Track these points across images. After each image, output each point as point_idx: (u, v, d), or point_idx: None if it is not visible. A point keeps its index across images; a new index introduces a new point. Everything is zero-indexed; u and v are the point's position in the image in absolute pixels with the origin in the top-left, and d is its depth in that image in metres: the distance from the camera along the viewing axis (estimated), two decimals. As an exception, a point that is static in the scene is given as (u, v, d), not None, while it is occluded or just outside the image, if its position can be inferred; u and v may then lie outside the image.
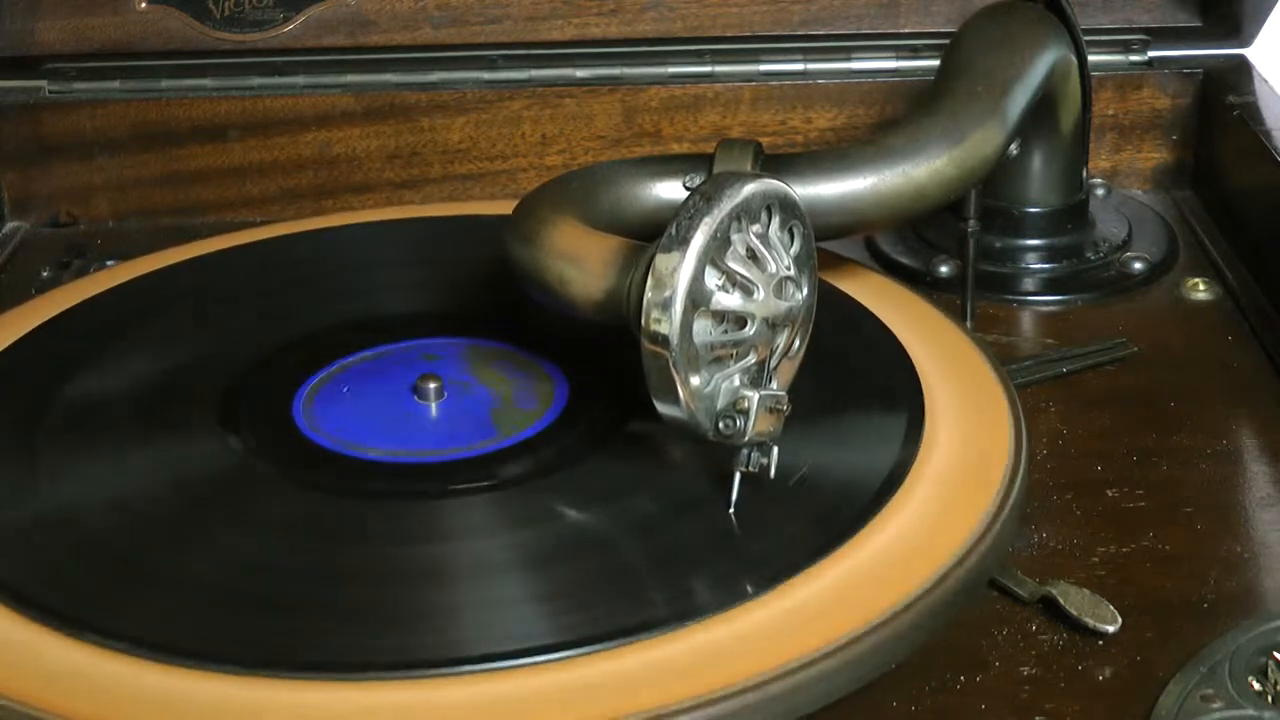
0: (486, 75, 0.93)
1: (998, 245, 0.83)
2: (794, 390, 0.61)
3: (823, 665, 0.53)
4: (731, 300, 0.58)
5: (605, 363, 0.68)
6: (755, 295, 0.58)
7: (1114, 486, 0.66)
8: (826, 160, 0.72)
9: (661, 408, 0.58)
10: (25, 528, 0.61)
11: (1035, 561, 0.62)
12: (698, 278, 0.56)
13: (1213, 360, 0.75)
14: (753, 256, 0.58)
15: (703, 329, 0.57)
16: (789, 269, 0.59)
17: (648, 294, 0.56)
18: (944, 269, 0.83)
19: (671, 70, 0.93)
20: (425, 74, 0.93)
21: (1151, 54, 0.93)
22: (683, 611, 0.55)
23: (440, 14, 0.93)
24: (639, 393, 0.58)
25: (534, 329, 0.73)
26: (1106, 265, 0.83)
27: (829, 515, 0.60)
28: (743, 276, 0.58)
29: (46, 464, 0.65)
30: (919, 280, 0.82)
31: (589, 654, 0.53)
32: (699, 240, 0.56)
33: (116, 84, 0.93)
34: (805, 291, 0.60)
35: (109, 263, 0.85)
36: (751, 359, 0.59)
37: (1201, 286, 0.81)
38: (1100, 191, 0.90)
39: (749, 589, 0.56)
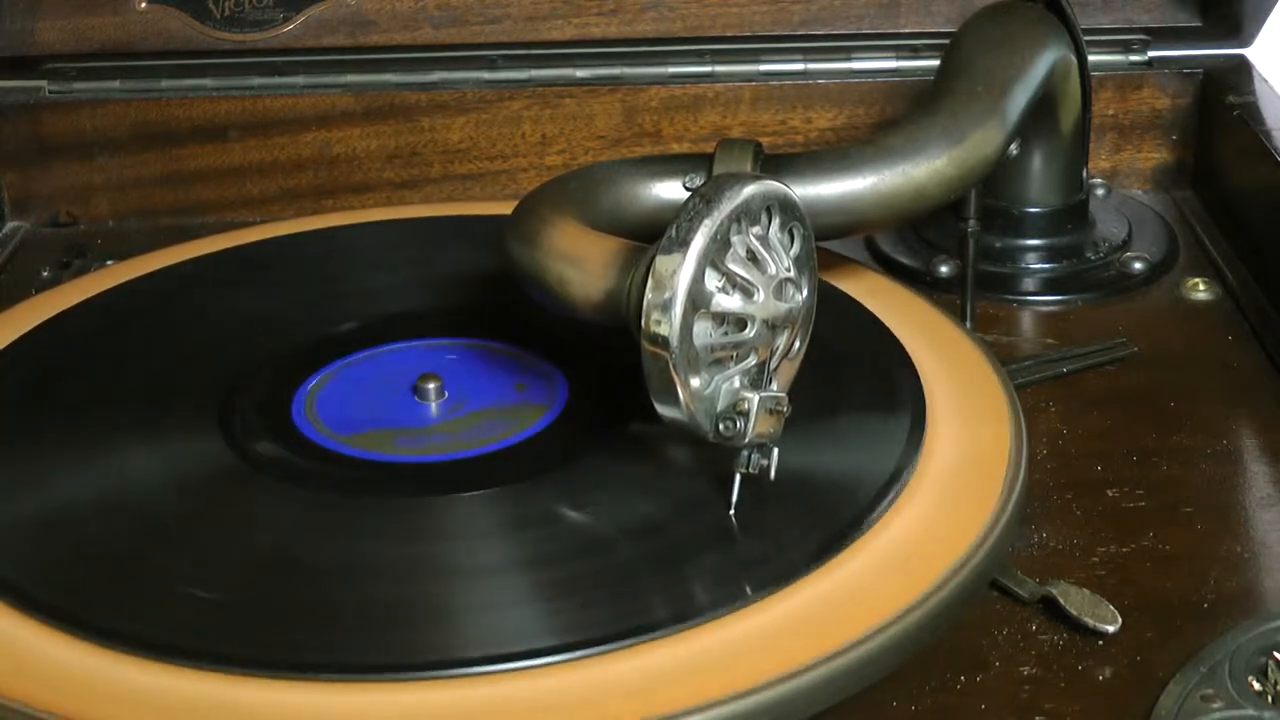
0: (486, 75, 0.93)
1: (998, 245, 0.83)
2: (794, 391, 0.61)
3: (824, 669, 0.53)
4: (731, 302, 0.58)
5: (605, 363, 0.68)
6: (755, 297, 0.58)
7: (1114, 486, 0.66)
8: (826, 160, 0.72)
9: (661, 409, 0.58)
10: (25, 527, 0.61)
11: (1035, 561, 0.62)
12: (698, 280, 0.56)
13: (1213, 360, 0.75)
14: (753, 258, 0.58)
15: (703, 331, 0.57)
16: (789, 270, 0.59)
17: (648, 296, 0.56)
18: (944, 269, 0.83)
19: (671, 70, 0.93)
20: (425, 74, 0.93)
21: (1151, 54, 0.93)
22: (683, 614, 0.55)
23: (440, 14, 0.93)
24: (639, 393, 0.58)
25: (534, 329, 0.73)
26: (1106, 265, 0.83)
27: (830, 516, 0.59)
28: (743, 278, 0.58)
29: (46, 464, 0.65)
30: (919, 280, 0.82)
31: (589, 656, 0.53)
32: (699, 242, 0.56)
33: (116, 84, 0.93)
34: (805, 293, 0.60)
35: (109, 263, 0.85)
36: (752, 361, 0.59)
37: (1201, 286, 0.81)
38: (1100, 191, 0.90)
39: (750, 591, 0.56)
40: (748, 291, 0.58)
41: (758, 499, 0.60)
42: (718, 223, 0.57)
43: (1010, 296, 0.81)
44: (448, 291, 0.78)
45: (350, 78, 0.93)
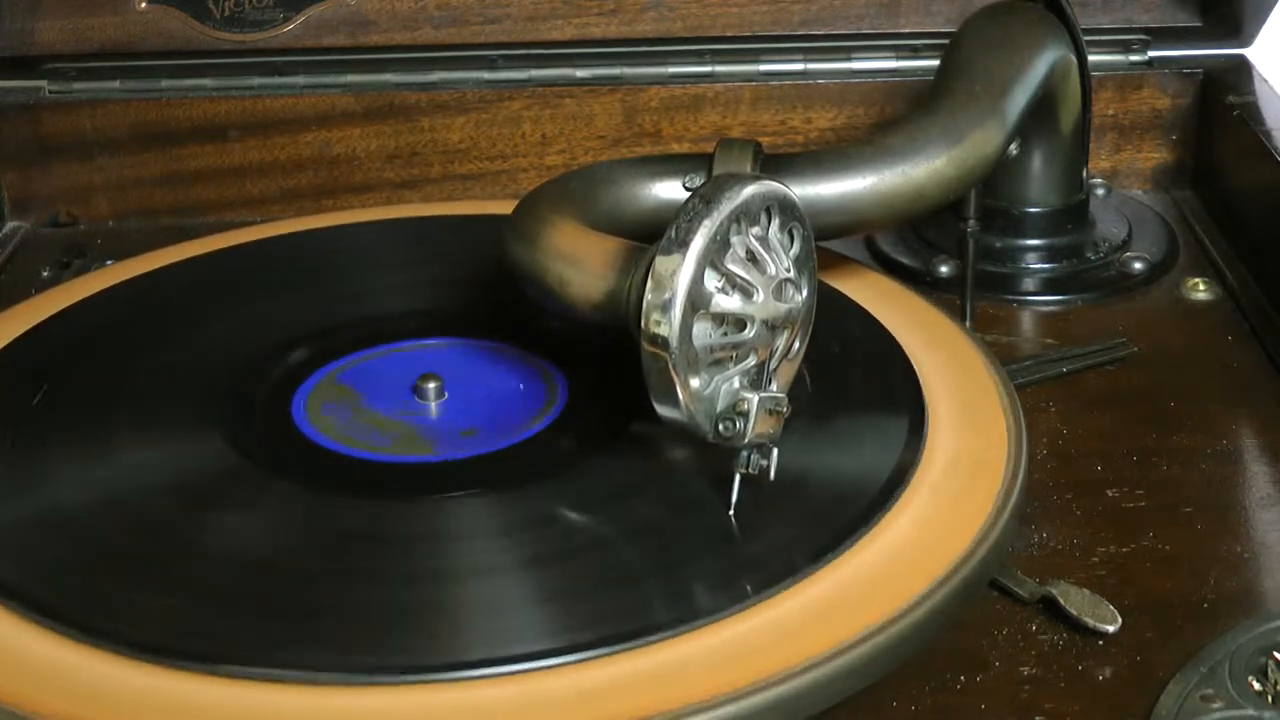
0: (486, 75, 0.93)
1: (998, 245, 0.83)
2: (795, 392, 0.61)
3: (824, 668, 0.53)
4: (731, 302, 0.58)
5: (605, 363, 0.68)
6: (755, 297, 0.58)
7: (1114, 486, 0.66)
8: (826, 160, 0.72)
9: (661, 410, 0.58)
10: (24, 527, 0.61)
11: (1035, 561, 0.62)
12: (697, 280, 0.56)
13: (1213, 360, 0.75)
14: (752, 259, 0.58)
15: (702, 331, 0.57)
16: (788, 271, 0.59)
17: (647, 296, 0.56)
18: (944, 269, 0.83)
19: (671, 70, 0.93)
20: (425, 74, 0.93)
21: (1151, 54, 0.93)
22: (683, 615, 0.55)
23: (440, 14, 0.93)
24: (639, 394, 0.58)
25: (534, 329, 0.73)
26: (1106, 265, 0.83)
27: (830, 517, 0.59)
28: (742, 279, 0.58)
29: (46, 463, 0.65)
30: (919, 280, 0.82)
31: (589, 658, 0.53)
32: (698, 243, 0.56)
33: (116, 84, 0.93)
34: (805, 293, 0.60)
35: (109, 263, 0.85)
36: (751, 361, 0.59)
37: (1201, 286, 0.81)
38: (1100, 191, 0.90)
39: (750, 592, 0.56)
40: (747, 292, 0.58)
41: (758, 499, 0.60)
42: (717, 223, 0.57)
43: (1010, 296, 0.81)
44: (448, 291, 0.78)
45: (350, 78, 0.93)
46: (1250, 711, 0.52)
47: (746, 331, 0.58)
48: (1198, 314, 0.80)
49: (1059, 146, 0.82)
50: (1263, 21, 0.92)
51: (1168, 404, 0.72)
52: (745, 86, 0.93)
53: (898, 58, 0.93)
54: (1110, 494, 0.66)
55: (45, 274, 0.86)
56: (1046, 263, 0.83)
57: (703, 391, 0.58)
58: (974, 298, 0.78)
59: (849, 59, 0.93)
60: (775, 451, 0.59)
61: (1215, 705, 0.53)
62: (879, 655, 0.54)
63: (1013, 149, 0.76)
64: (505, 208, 0.70)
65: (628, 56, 0.93)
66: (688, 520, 0.60)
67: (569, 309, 0.62)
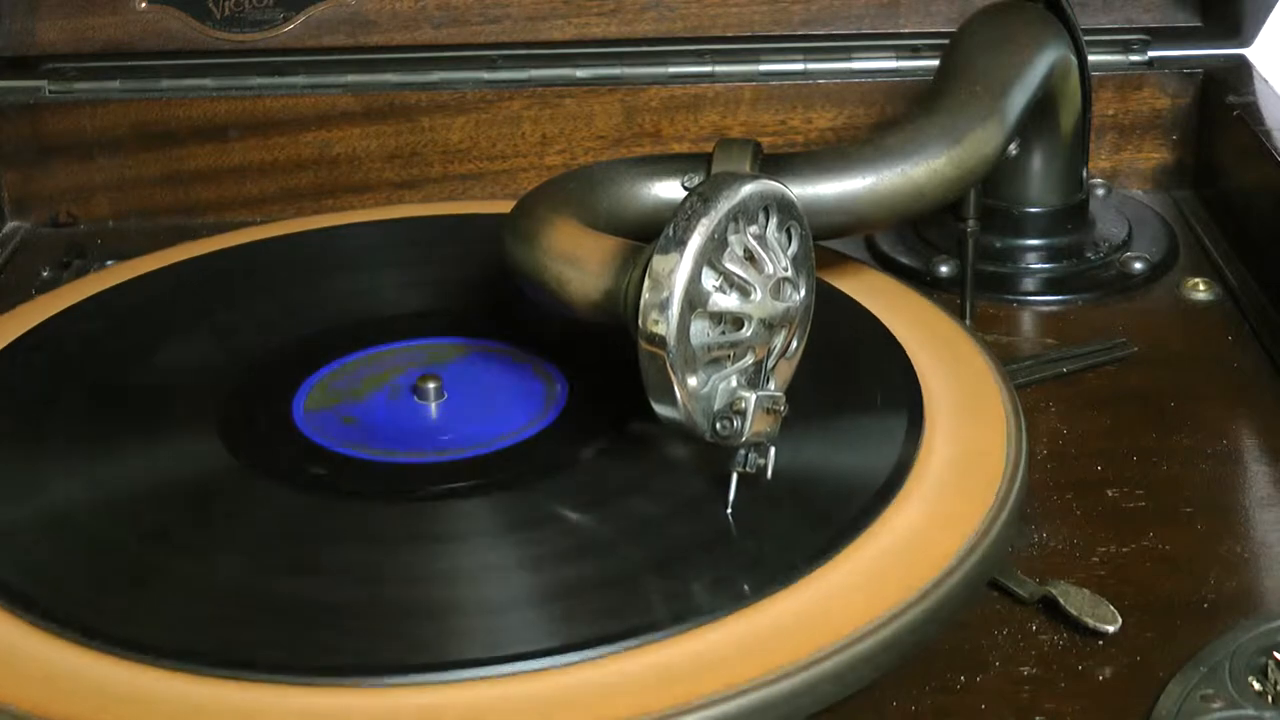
0: (486, 75, 0.93)
1: (998, 245, 0.83)
2: (794, 391, 0.61)
3: (823, 667, 0.53)
4: (729, 301, 0.58)
5: (605, 363, 0.68)
6: (752, 296, 0.58)
7: (1114, 486, 0.66)
8: (825, 160, 0.72)
9: (659, 409, 0.58)
10: (24, 528, 0.61)
11: (1035, 561, 0.62)
12: (695, 279, 0.56)
13: (1213, 360, 0.75)
14: (750, 258, 0.58)
15: (700, 330, 0.57)
16: (786, 270, 0.59)
17: (645, 295, 0.56)
18: (944, 269, 0.83)
19: (671, 70, 0.93)
20: (425, 74, 0.93)
21: (1151, 54, 0.93)
22: (682, 614, 0.55)
23: (440, 14, 0.93)
24: (639, 393, 0.58)
25: (534, 329, 0.73)
26: (1106, 265, 0.83)
27: (829, 516, 0.59)
28: (740, 278, 0.58)
29: (46, 464, 0.65)
30: (919, 280, 0.82)
31: (587, 657, 0.53)
32: (696, 241, 0.56)
33: (116, 84, 0.93)
34: (803, 292, 0.60)
35: (109, 263, 0.85)
36: (749, 360, 0.59)
37: (1201, 286, 0.81)
38: (1100, 191, 0.90)
39: (749, 591, 0.56)
40: (745, 291, 0.58)
41: (758, 498, 0.60)
42: (715, 222, 0.57)
43: (1010, 296, 0.81)
44: (447, 291, 0.78)
45: (350, 78, 0.93)
46: (1250, 711, 0.52)
47: (744, 330, 0.58)
48: (1198, 314, 0.80)
49: (1059, 146, 0.82)
50: (1263, 21, 0.92)
51: (1168, 404, 0.72)
52: (745, 86, 0.93)
53: (898, 58, 0.93)
54: (1110, 494, 0.66)
55: (45, 274, 0.86)
56: (1046, 263, 0.83)
57: (700, 390, 0.58)
58: (974, 297, 0.78)
59: (849, 59, 0.93)
60: (773, 450, 0.59)
61: (1215, 705, 0.53)
62: (878, 655, 0.54)
63: (1012, 149, 0.76)
64: (505, 208, 0.70)
65: (628, 56, 0.93)
66: (687, 520, 0.60)
67: (567, 308, 0.62)
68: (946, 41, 0.80)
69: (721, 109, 0.93)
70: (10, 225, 0.93)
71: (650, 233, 0.60)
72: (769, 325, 0.58)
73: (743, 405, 0.58)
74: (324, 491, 0.63)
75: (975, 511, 0.60)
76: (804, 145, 0.93)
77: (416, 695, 0.52)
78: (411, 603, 0.57)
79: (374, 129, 0.93)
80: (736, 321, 0.58)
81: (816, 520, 0.59)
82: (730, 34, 0.93)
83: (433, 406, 0.69)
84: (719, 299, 0.57)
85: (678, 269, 0.56)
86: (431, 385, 0.69)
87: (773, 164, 0.72)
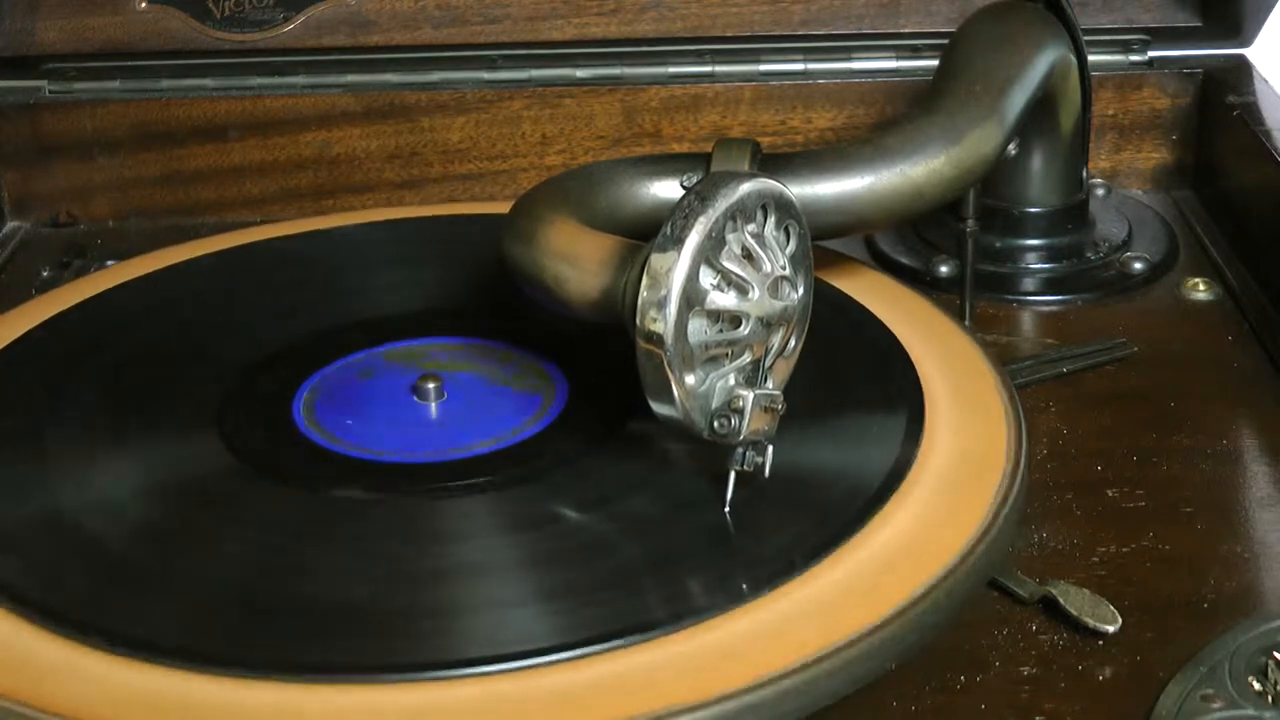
0: (486, 75, 0.93)
1: (998, 245, 0.83)
2: (794, 390, 0.61)
3: (822, 667, 0.53)
4: (726, 299, 0.57)
5: (605, 362, 0.68)
6: (750, 295, 0.58)
7: (1114, 486, 0.66)
8: (824, 160, 0.72)
9: (656, 407, 0.58)
10: (25, 528, 0.61)
11: (1035, 561, 0.62)
12: (692, 277, 0.56)
13: (1213, 360, 0.75)
14: (748, 256, 0.58)
15: (698, 328, 0.57)
16: (784, 268, 0.59)
17: (643, 293, 0.56)
18: (944, 269, 0.82)
19: (671, 70, 0.93)
20: (425, 74, 0.93)
21: (1151, 54, 0.93)
22: (681, 613, 0.55)
23: (440, 14, 0.93)
24: (638, 392, 0.58)
25: (534, 329, 0.73)
26: (1106, 265, 0.83)
27: (828, 515, 0.59)
28: (738, 276, 0.58)
29: (46, 464, 0.65)
30: (919, 280, 0.82)
31: (586, 656, 0.53)
32: (694, 240, 0.56)
33: (116, 84, 0.93)
34: (800, 291, 0.60)
35: (109, 263, 0.85)
36: (746, 358, 0.59)
37: (1201, 286, 0.81)
38: (1100, 191, 0.90)
39: (749, 590, 0.56)
40: (743, 289, 0.58)
41: (758, 497, 0.60)
42: (713, 220, 0.57)
43: (1010, 296, 0.81)
44: (447, 291, 0.78)
45: (350, 78, 0.93)
46: (1250, 711, 0.52)
47: (742, 328, 0.58)
48: (1198, 314, 0.80)
49: (1059, 146, 0.82)
50: (1263, 21, 0.92)
51: (1168, 404, 0.72)
52: (745, 86, 0.93)
53: (898, 58, 0.93)
54: (1110, 494, 0.66)
55: (45, 274, 0.86)
56: (1046, 263, 0.83)
57: (698, 388, 0.58)
58: (974, 297, 0.78)
59: (849, 59, 0.93)
60: (770, 448, 0.59)
61: (1215, 705, 0.53)
62: (877, 655, 0.54)
63: (1011, 149, 0.76)
64: (505, 208, 0.70)
65: (628, 56, 0.93)
66: (685, 518, 0.60)
67: (566, 307, 0.62)
68: (946, 41, 0.80)
69: (721, 109, 0.93)
70: (10, 225, 0.93)
71: (649, 232, 0.59)
72: (767, 324, 0.58)
73: (740, 403, 0.58)
74: (323, 491, 0.63)
75: (975, 511, 0.60)
76: (804, 145, 0.93)
77: (415, 694, 0.52)
78: (410, 602, 0.57)
79: (374, 129, 0.93)
80: (734, 320, 0.58)
81: (816, 519, 0.59)
82: (730, 34, 0.93)
83: (433, 406, 0.69)
84: (717, 297, 0.57)
85: (675, 267, 0.56)
86: (431, 385, 0.69)
87: (771, 163, 0.72)
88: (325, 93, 0.93)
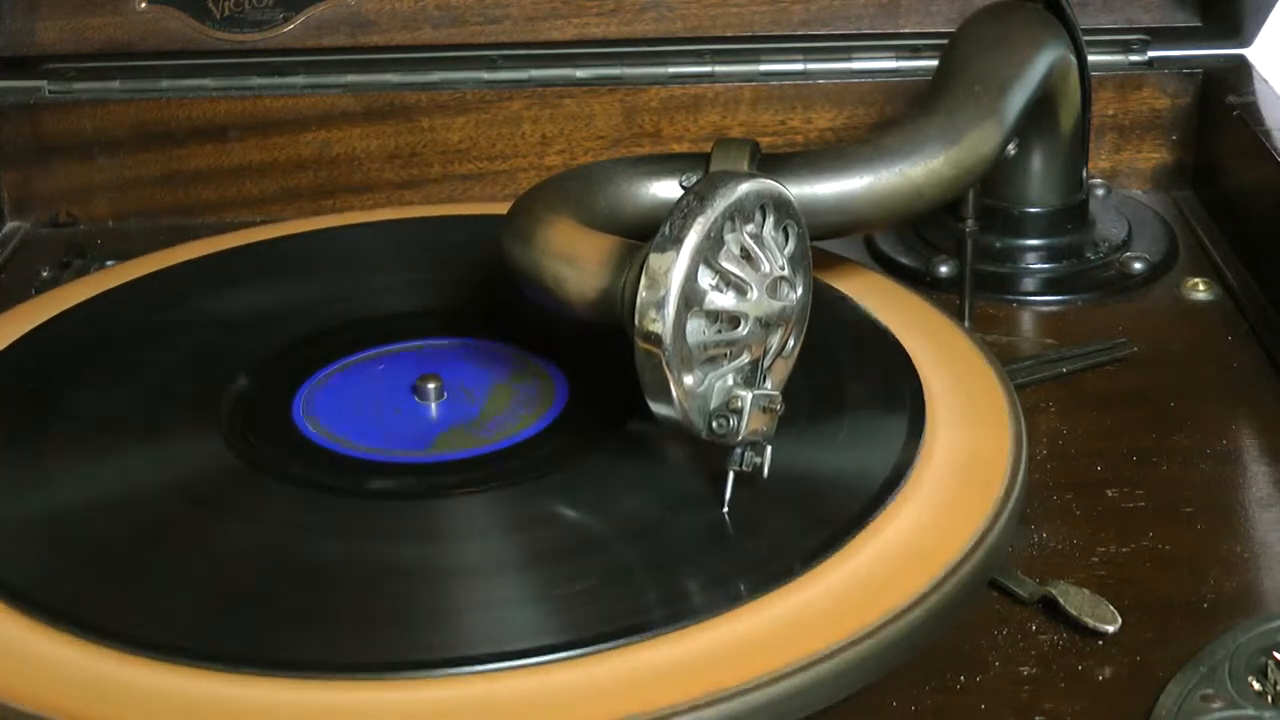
0: (486, 75, 0.93)
1: (998, 245, 0.83)
2: (794, 391, 0.61)
3: (823, 668, 0.53)
4: (725, 300, 0.57)
5: (605, 363, 0.68)
6: (749, 295, 0.58)
7: (1114, 486, 0.66)
8: (823, 160, 0.72)
9: (655, 407, 0.58)
10: (25, 528, 0.61)
11: (1035, 561, 0.62)
12: (691, 277, 0.56)
13: (1213, 360, 0.75)
14: (746, 256, 0.58)
15: (696, 328, 0.57)
16: (783, 269, 0.59)
17: (641, 293, 0.56)
18: (944, 269, 0.82)
19: (671, 70, 0.93)
20: (425, 74, 0.93)
21: (1151, 54, 0.93)
22: (680, 613, 0.55)
23: (440, 14, 0.93)
24: (638, 392, 0.58)
25: (534, 329, 0.73)
26: (1106, 265, 0.83)
27: (828, 516, 0.59)
28: (736, 276, 0.58)
29: (46, 464, 0.65)
30: (919, 280, 0.82)
31: (585, 656, 0.53)
32: (692, 240, 0.56)
33: (116, 84, 0.93)
34: (799, 291, 0.60)
35: (109, 263, 0.85)
36: (745, 358, 0.59)
37: (1201, 286, 0.81)
38: (1100, 191, 0.90)
39: (749, 591, 0.56)
40: (741, 289, 0.58)
41: (757, 498, 0.60)
42: (711, 220, 0.57)
43: (1010, 296, 0.81)
44: (447, 291, 0.78)
45: (350, 78, 0.93)
46: (1250, 711, 0.52)
47: (740, 329, 0.58)
48: (1198, 314, 0.80)
49: (1059, 146, 0.82)
50: (1263, 21, 0.92)
51: (1168, 404, 0.72)
52: (745, 86, 0.93)
53: (898, 58, 0.93)
54: (1110, 494, 0.66)
55: (45, 274, 0.86)
56: (1046, 263, 0.83)
57: (696, 389, 0.58)
58: (973, 298, 0.78)
59: (849, 59, 0.93)
60: (769, 449, 0.59)
61: (1215, 705, 0.53)
62: (878, 655, 0.54)
63: (1011, 149, 0.76)
64: (505, 208, 0.70)
65: (628, 56, 0.93)
66: (685, 519, 0.60)
67: (565, 307, 0.62)
68: (946, 42, 0.80)
69: (721, 109, 0.93)
70: (10, 225, 0.93)
71: (648, 232, 0.59)
72: (765, 324, 0.58)
73: (739, 404, 0.58)
74: (323, 491, 0.63)
75: (975, 512, 0.60)
76: (804, 145, 0.93)
77: (413, 692, 0.52)
78: (410, 601, 0.57)
79: (374, 129, 0.93)
80: (733, 320, 0.58)
81: (815, 520, 0.59)
82: (730, 34, 0.93)
83: (433, 406, 0.69)
84: (715, 297, 0.57)
85: (674, 267, 0.56)
86: (431, 385, 0.69)
87: (770, 164, 0.72)
88: (325, 93, 0.93)
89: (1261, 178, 0.83)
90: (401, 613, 0.56)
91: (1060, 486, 0.66)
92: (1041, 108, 0.78)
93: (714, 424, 0.58)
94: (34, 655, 0.54)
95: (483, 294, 0.77)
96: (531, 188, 0.70)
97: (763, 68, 0.93)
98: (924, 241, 0.85)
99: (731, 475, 0.59)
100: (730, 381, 0.59)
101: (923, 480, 0.62)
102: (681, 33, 0.93)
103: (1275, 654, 0.55)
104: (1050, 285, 0.82)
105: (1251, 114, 0.86)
